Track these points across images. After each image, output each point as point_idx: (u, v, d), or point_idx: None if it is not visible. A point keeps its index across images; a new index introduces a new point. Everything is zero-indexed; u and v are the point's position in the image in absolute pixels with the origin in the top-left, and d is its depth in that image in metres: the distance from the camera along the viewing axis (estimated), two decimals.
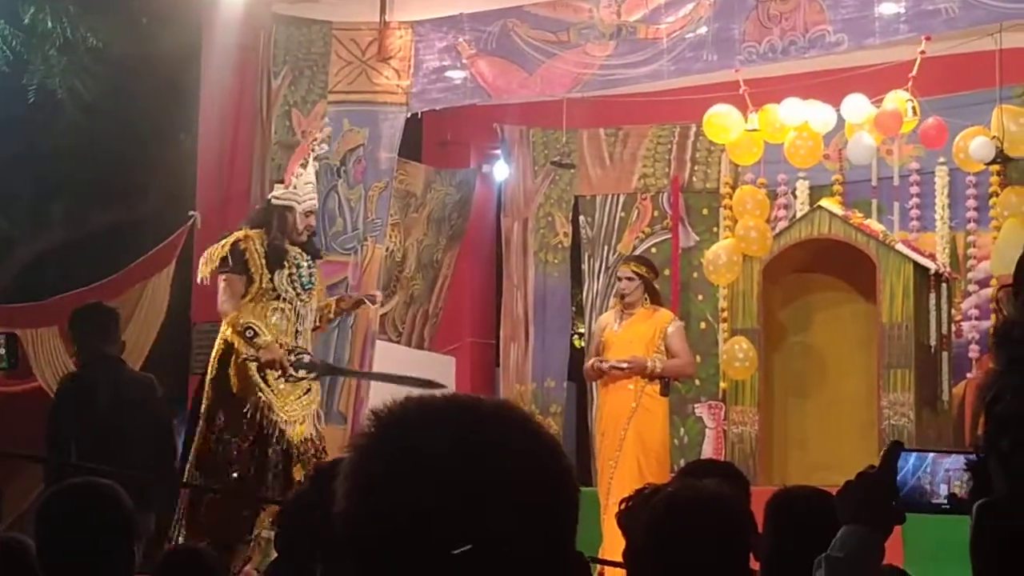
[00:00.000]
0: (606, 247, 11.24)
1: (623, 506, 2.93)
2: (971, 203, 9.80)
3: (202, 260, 8.12)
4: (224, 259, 7.96)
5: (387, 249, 10.14)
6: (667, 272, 10.69)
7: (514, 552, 1.34)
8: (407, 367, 10.68)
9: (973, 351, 9.53)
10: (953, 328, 9.53)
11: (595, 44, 9.42)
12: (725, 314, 10.10)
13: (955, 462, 2.59)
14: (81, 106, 11.11)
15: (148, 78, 11.25)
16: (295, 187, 8.21)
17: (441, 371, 11.26)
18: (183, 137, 11.45)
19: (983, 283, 9.66)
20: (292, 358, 8.09)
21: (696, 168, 11.01)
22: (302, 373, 8.15)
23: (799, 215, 9.91)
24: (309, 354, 8.25)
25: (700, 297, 10.66)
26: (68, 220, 12.52)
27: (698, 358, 10.42)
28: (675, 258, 10.73)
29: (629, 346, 8.69)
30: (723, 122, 9.40)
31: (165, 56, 10.86)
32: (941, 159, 9.71)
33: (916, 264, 9.16)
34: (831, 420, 9.42)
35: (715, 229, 10.62)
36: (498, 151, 11.59)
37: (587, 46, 9.43)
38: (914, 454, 2.63)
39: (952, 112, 9.37)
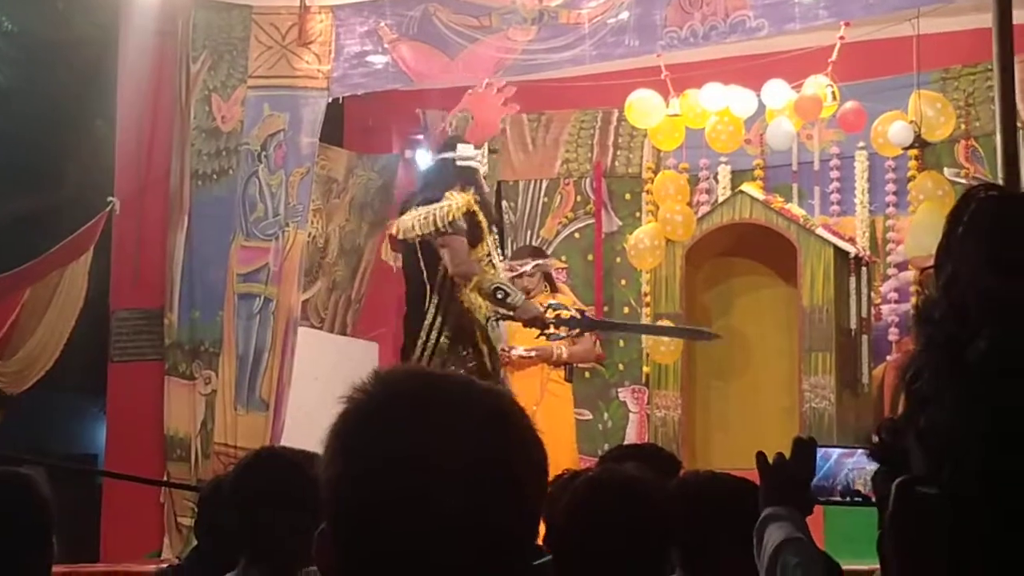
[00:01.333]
0: (529, 232, 11.23)
1: (553, 495, 2.91)
2: (890, 187, 9.90)
3: (411, 223, 7.74)
4: (452, 223, 7.65)
5: (309, 235, 10.07)
6: (590, 257, 10.72)
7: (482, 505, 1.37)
8: (331, 353, 10.65)
9: (893, 334, 9.62)
10: (873, 311, 9.62)
11: (517, 29, 9.40)
12: (648, 299, 10.12)
13: (859, 461, 2.69)
14: None
15: (65, 63, 11.12)
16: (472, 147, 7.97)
17: (364, 357, 11.22)
18: (100, 123, 11.31)
19: (902, 266, 9.76)
20: (552, 314, 7.93)
21: (618, 153, 11.02)
22: (564, 330, 7.97)
23: (721, 200, 9.95)
24: (568, 308, 8.11)
25: (623, 282, 10.68)
26: None
27: (621, 343, 10.46)
28: (598, 243, 10.75)
29: (531, 333, 8.67)
30: (645, 107, 9.42)
31: (82, 41, 10.74)
32: (860, 144, 9.79)
33: (836, 248, 9.23)
34: (753, 403, 9.48)
35: (638, 214, 10.64)
36: (421, 136, 11.54)
37: (509, 31, 9.41)
38: (820, 451, 2.73)
39: (871, 97, 9.45)
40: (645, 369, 10.05)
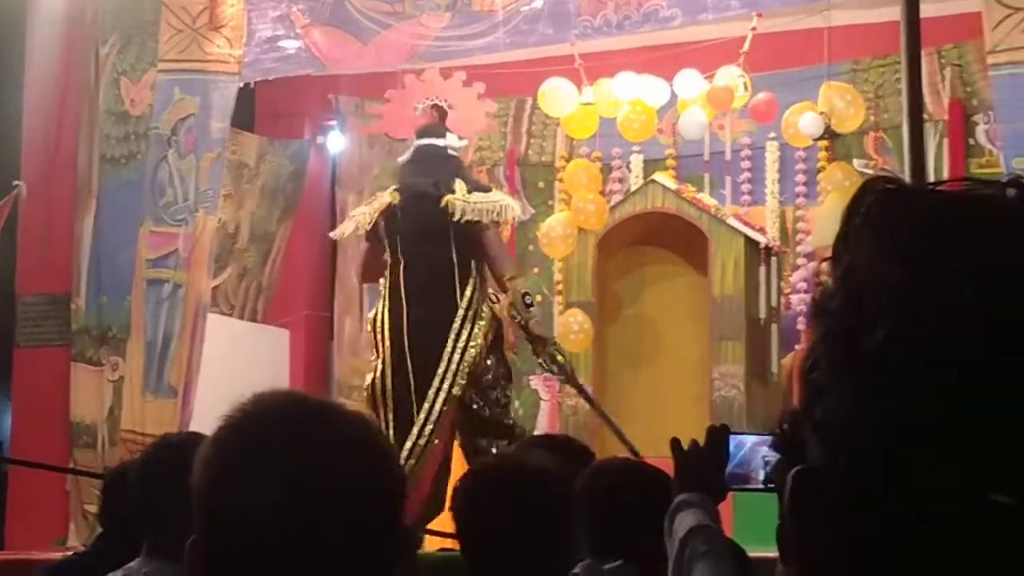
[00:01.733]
0: None
1: (457, 484, 2.91)
2: (800, 178, 9.99)
3: (467, 207, 7.82)
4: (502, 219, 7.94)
5: (219, 220, 9.98)
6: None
7: (360, 528, 1.49)
8: (240, 340, 10.59)
9: (801, 323, 9.70)
10: (782, 301, 9.71)
11: (430, 15, 9.38)
12: (560, 287, 10.14)
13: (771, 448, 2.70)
14: None
15: None
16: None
17: (275, 344, 11.17)
18: (7, 106, 11.13)
19: (811, 256, 9.85)
20: (552, 348, 8.10)
21: (532, 141, 11.04)
22: (553, 369, 8.18)
23: (633, 189, 9.99)
24: (561, 352, 8.27)
25: (536, 270, 10.69)
26: None
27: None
28: (511, 231, 10.74)
29: None
30: (558, 96, 9.43)
31: None
32: (772, 134, 9.87)
33: (747, 238, 9.30)
34: (664, 392, 9.53)
35: (551, 202, 10.66)
36: (333, 122, 11.49)
37: (422, 17, 9.39)
38: (734, 439, 2.75)
39: (782, 88, 9.53)
40: (558, 358, 10.06)
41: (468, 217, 7.75)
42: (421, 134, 8.18)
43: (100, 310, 9.77)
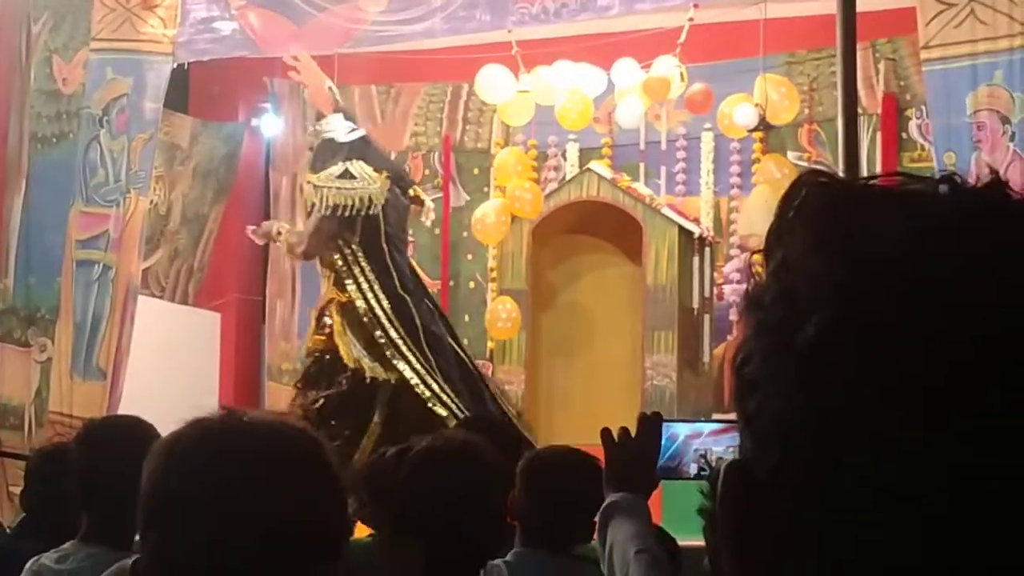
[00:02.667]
0: None
1: (366, 474, 2.88)
2: (735, 169, 10.04)
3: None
4: None
5: (151, 202, 9.90)
6: (437, 231, 10.69)
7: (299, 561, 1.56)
8: (171, 323, 10.51)
9: (734, 314, 9.75)
10: (715, 291, 9.76)
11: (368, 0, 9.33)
12: (494, 274, 10.15)
13: (704, 443, 2.70)
14: None
15: None
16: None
17: (206, 327, 11.09)
18: None
19: (744, 247, 9.91)
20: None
21: (468, 128, 11.02)
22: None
23: (569, 177, 10.00)
24: None
25: (470, 256, 10.69)
26: None
27: (467, 317, 10.47)
28: (445, 217, 10.73)
29: None
30: (495, 83, 9.42)
31: None
32: (707, 125, 9.91)
33: (681, 228, 9.33)
34: (596, 381, 9.56)
35: (485, 189, 10.65)
36: (267, 105, 11.42)
37: (359, 1, 9.33)
38: (667, 429, 2.73)
39: (718, 79, 9.57)
40: (489, 344, 10.07)
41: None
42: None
43: (28, 291, 9.66)
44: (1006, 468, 0.75)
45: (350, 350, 8.01)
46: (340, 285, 8.12)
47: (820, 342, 0.78)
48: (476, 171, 10.91)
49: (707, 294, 9.50)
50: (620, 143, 10.27)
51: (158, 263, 10.76)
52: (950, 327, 0.76)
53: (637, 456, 2.73)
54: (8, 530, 5.14)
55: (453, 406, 7.80)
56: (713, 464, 2.70)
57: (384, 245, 8.14)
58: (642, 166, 10.15)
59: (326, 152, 8.28)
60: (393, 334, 8.00)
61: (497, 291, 9.89)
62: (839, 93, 5.96)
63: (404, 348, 7.97)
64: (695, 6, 8.93)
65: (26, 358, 9.59)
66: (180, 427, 1.65)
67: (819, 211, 0.82)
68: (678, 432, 2.78)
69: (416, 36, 9.39)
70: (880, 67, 9.70)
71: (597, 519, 2.75)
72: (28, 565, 3.39)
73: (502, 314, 9.35)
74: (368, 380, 7.93)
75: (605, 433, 2.79)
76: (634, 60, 9.27)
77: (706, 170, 10.11)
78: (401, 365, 7.93)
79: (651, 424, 2.75)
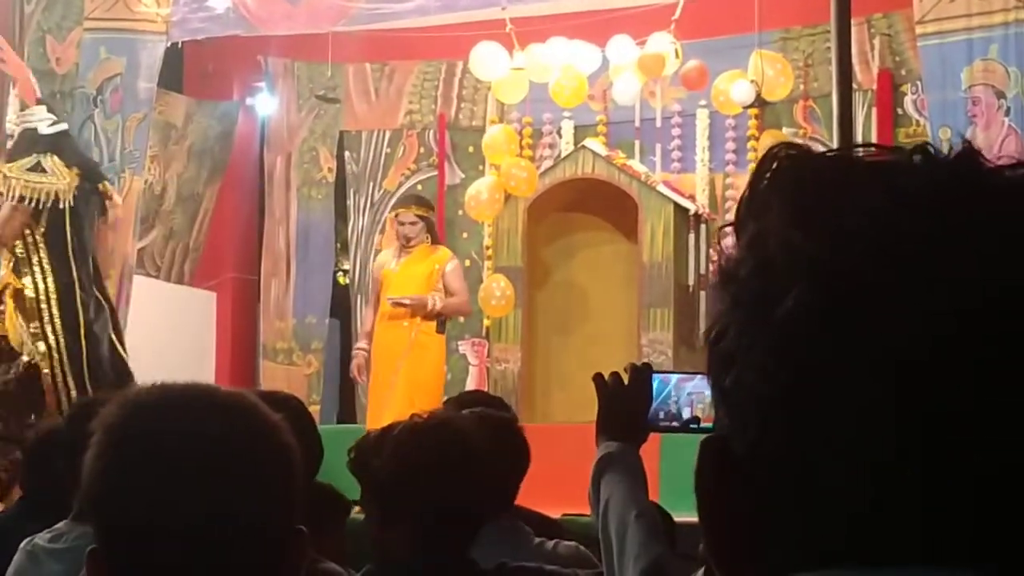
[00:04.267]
0: (371, 183, 11.18)
1: (352, 453, 2.86)
2: (730, 145, 10.02)
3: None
4: None
5: (146, 181, 9.90)
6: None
7: (247, 530, 1.52)
8: (167, 303, 10.50)
9: None
10: (711, 268, 9.75)
11: None
12: (490, 252, 10.14)
13: (698, 385, 2.68)
14: None
15: None
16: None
17: (202, 307, 11.09)
18: None
19: None
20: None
21: (463, 105, 11.01)
22: None
23: (564, 155, 9.99)
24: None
25: (465, 235, 10.69)
26: None
27: None
28: (440, 195, 10.72)
29: (407, 284, 8.65)
30: (489, 60, 9.39)
31: None
32: (702, 102, 9.89)
33: (676, 205, 9.33)
34: (592, 358, 9.54)
35: (481, 167, 10.63)
36: (262, 84, 11.40)
37: None
38: (659, 376, 2.72)
39: (713, 56, 9.54)
40: (485, 322, 10.08)
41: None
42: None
43: None
44: (990, 441, 0.75)
45: (18, 334, 8.23)
46: (17, 272, 8.31)
47: (798, 316, 0.77)
48: (471, 149, 10.89)
49: (703, 271, 9.50)
50: (615, 120, 10.26)
51: (153, 243, 10.75)
52: (933, 300, 0.76)
53: (628, 406, 2.71)
54: (4, 510, 5.15)
55: None
56: (704, 414, 2.68)
57: (68, 239, 8.30)
58: (637, 143, 10.14)
59: (25, 143, 8.45)
60: (51, 325, 8.25)
61: (493, 269, 9.89)
62: (834, 69, 5.95)
63: (56, 338, 8.21)
64: None
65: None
66: (117, 407, 1.60)
67: (794, 183, 0.82)
68: (670, 377, 2.77)
69: (410, 14, 9.37)
70: (875, 42, 9.68)
71: (592, 472, 2.72)
72: (22, 545, 3.39)
73: (496, 291, 9.34)
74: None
75: (597, 377, 2.77)
76: (629, 37, 9.24)
77: (701, 147, 10.10)
78: (46, 350, 8.22)
79: (641, 374, 2.73)
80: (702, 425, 2.70)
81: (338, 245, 11.68)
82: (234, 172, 11.44)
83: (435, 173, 10.97)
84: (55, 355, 8.16)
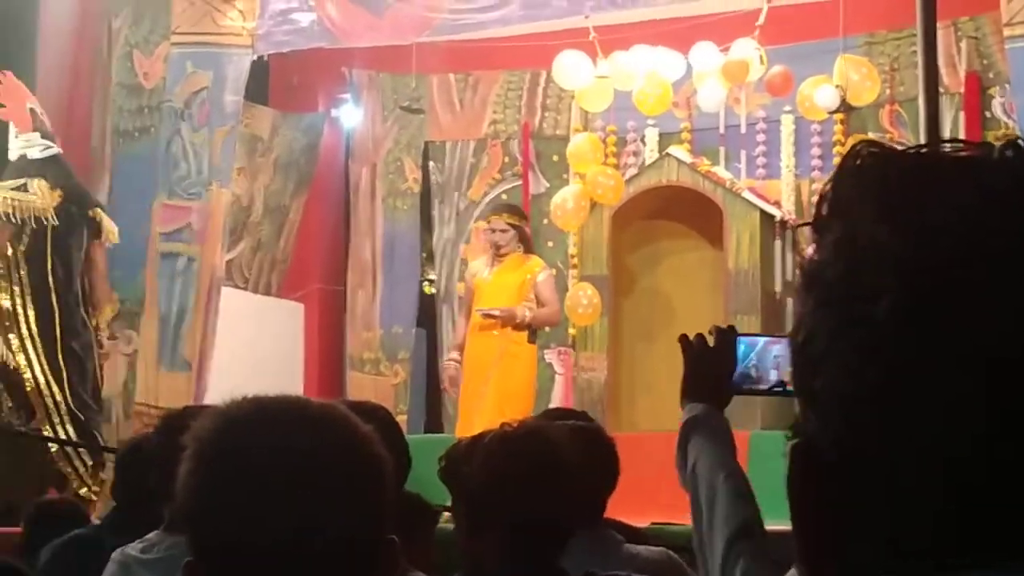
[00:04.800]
0: (456, 193, 11.21)
1: (442, 462, 2.87)
2: (816, 151, 9.95)
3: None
4: None
5: (233, 194, 9.99)
6: None
7: (338, 543, 1.51)
8: (255, 313, 10.60)
9: None
10: (797, 274, 9.67)
11: None
12: (575, 260, 10.13)
13: (784, 349, 2.65)
14: None
15: None
16: None
17: (289, 318, 11.17)
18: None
19: None
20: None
21: (546, 114, 11.01)
22: None
23: (648, 162, 9.96)
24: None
25: (550, 244, 10.68)
26: None
27: None
28: (525, 204, 10.72)
29: (499, 293, 8.67)
30: (572, 69, 9.38)
31: None
32: (787, 107, 9.83)
33: (762, 211, 9.27)
34: (678, 365, 9.47)
35: (565, 175, 10.63)
36: (347, 95, 11.48)
37: None
38: (744, 339, 2.69)
39: (797, 61, 9.48)
40: (571, 331, 10.06)
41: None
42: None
43: (114, 283, 9.75)
44: None
45: None
46: None
47: (887, 314, 0.77)
48: (555, 158, 10.89)
49: (789, 277, 9.43)
50: (699, 127, 10.22)
51: (241, 255, 10.85)
52: (1018, 293, 0.75)
53: (714, 368, 2.68)
54: (98, 520, 5.21)
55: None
56: (788, 379, 2.64)
57: (49, 260, 8.47)
58: (722, 150, 10.09)
59: (17, 167, 8.64)
60: (31, 340, 8.45)
61: (578, 277, 9.88)
62: (920, 72, 5.88)
63: (36, 351, 8.43)
64: None
65: (112, 350, 9.70)
66: (209, 421, 1.61)
67: (879, 180, 0.81)
68: (757, 340, 2.74)
69: (493, 24, 9.41)
70: (962, 45, 9.56)
71: (678, 435, 2.70)
72: (114, 555, 3.42)
73: (583, 300, 9.33)
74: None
75: (683, 339, 2.75)
76: (713, 43, 9.21)
77: (787, 153, 10.03)
78: (24, 364, 8.40)
79: (726, 336, 2.71)
80: (787, 388, 2.66)
81: (423, 255, 11.72)
82: (320, 184, 11.52)
83: (519, 182, 10.98)
84: (35, 366, 8.41)
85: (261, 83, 10.76)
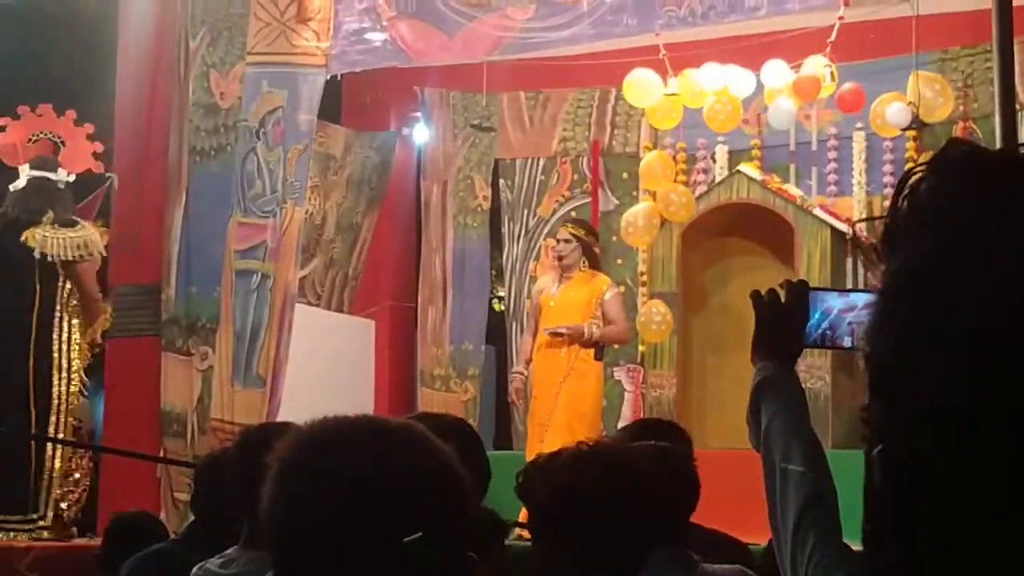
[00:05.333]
0: (526, 211, 11.25)
1: (519, 478, 2.89)
2: (887, 168, 9.89)
3: (56, 242, 8.74)
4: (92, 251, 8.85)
5: (306, 212, 10.07)
6: None
7: (418, 557, 1.54)
8: (326, 330, 10.67)
9: None
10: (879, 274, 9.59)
11: (515, 7, 9.39)
12: (644, 278, 10.13)
13: (858, 315, 2.62)
14: None
15: (64, 39, 11.06)
16: None
17: (361, 334, 11.24)
18: (99, 98, 11.28)
19: None
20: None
21: (616, 132, 11.03)
22: None
23: (718, 180, 9.95)
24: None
25: (619, 261, 10.69)
26: None
27: None
28: (595, 222, 10.73)
29: (566, 310, 8.69)
30: (643, 86, 9.40)
31: (82, 17, 10.69)
32: (859, 124, 9.78)
33: (833, 228, 9.23)
34: (748, 383, 9.47)
35: (635, 193, 10.64)
36: (418, 114, 11.55)
37: (507, 9, 9.40)
38: (818, 294, 2.65)
39: (869, 78, 9.44)
40: (640, 348, 10.06)
41: (66, 256, 8.66)
42: (35, 165, 8.99)
43: (189, 300, 9.89)
44: None
45: None
46: None
47: (1007, 328, 0.76)
48: (625, 175, 10.90)
49: None
50: (770, 144, 10.19)
51: (314, 272, 10.93)
52: None
53: (784, 322, 2.65)
54: (175, 535, 5.27)
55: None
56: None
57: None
58: (792, 167, 10.06)
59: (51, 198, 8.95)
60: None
61: (648, 295, 9.88)
62: (996, 89, 5.84)
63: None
64: (845, 4, 8.83)
65: (188, 366, 9.81)
66: (293, 440, 1.64)
67: (970, 171, 0.81)
68: (832, 305, 2.71)
69: (563, 42, 9.43)
70: None
71: (750, 398, 2.68)
72: (194, 571, 3.46)
73: (656, 317, 9.34)
74: None
75: (755, 294, 2.73)
76: (783, 60, 9.19)
77: (858, 170, 9.98)
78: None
79: (797, 292, 2.68)
80: (856, 344, 2.63)
81: (493, 272, 11.77)
82: (391, 201, 11.60)
83: (589, 200, 11.00)
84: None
85: (334, 102, 10.84)
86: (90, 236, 8.76)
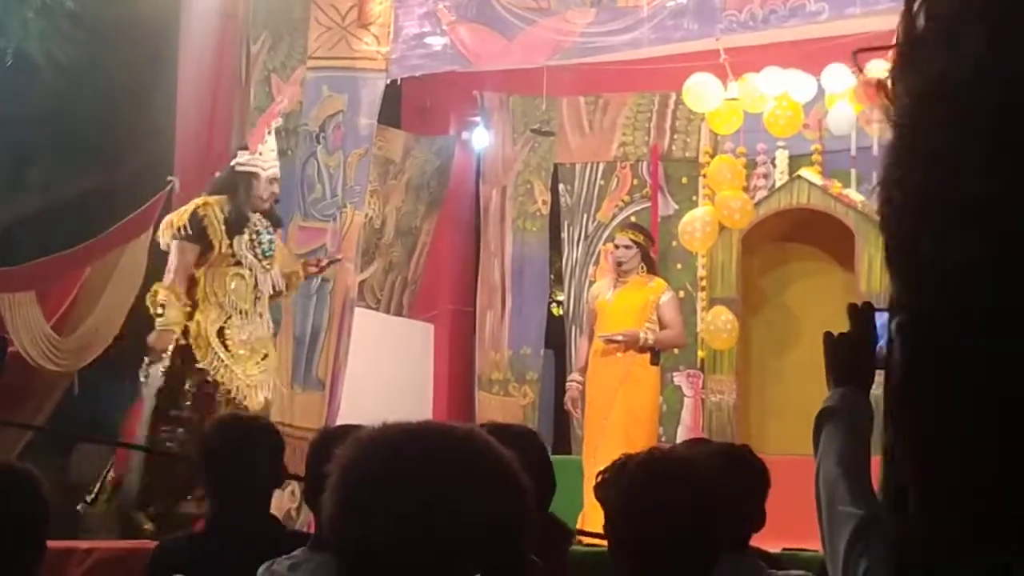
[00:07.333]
0: (585, 215, 11.24)
1: (599, 479, 2.91)
2: None
3: (163, 226, 8.44)
4: (182, 227, 8.06)
5: (366, 216, 10.11)
6: None
7: (480, 567, 1.56)
8: (385, 334, 10.70)
9: None
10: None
11: (575, 11, 9.39)
12: (704, 283, 10.11)
13: None
14: (58, 71, 11.02)
15: (126, 43, 11.17)
16: (260, 154, 8.32)
17: (420, 338, 11.27)
18: (162, 102, 11.37)
19: None
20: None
21: (676, 137, 11.00)
22: None
23: (778, 185, 9.91)
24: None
25: (679, 266, 10.67)
26: (44, 186, 12.43)
27: None
28: (654, 226, 10.73)
29: (621, 315, 8.69)
30: (703, 91, 9.38)
31: (144, 21, 10.78)
32: None
33: None
34: (809, 390, 9.38)
35: (694, 198, 10.62)
36: (478, 118, 11.57)
37: (567, 13, 9.39)
38: (886, 313, 2.63)
39: None
40: (700, 354, 10.03)
41: (167, 238, 8.48)
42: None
43: None
44: None
45: None
46: None
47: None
48: (684, 180, 10.88)
49: None
50: (830, 149, 10.13)
51: (373, 276, 10.97)
52: None
53: (852, 348, 2.62)
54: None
55: None
56: None
57: None
58: (853, 172, 10.00)
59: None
60: None
61: (707, 300, 9.85)
62: None
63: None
64: None
65: None
66: (357, 445, 1.65)
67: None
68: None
69: (623, 46, 9.41)
70: None
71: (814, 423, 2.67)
72: (260, 571, 3.49)
73: (726, 324, 9.30)
74: None
75: (826, 336, 2.70)
76: (844, 65, 9.14)
77: None
78: None
79: (864, 315, 2.64)
80: None
81: (552, 277, 11.77)
82: (450, 205, 11.62)
83: (648, 204, 10.99)
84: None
85: (394, 106, 10.88)
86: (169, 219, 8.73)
